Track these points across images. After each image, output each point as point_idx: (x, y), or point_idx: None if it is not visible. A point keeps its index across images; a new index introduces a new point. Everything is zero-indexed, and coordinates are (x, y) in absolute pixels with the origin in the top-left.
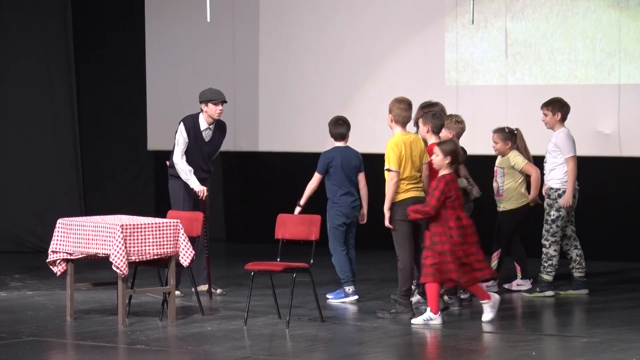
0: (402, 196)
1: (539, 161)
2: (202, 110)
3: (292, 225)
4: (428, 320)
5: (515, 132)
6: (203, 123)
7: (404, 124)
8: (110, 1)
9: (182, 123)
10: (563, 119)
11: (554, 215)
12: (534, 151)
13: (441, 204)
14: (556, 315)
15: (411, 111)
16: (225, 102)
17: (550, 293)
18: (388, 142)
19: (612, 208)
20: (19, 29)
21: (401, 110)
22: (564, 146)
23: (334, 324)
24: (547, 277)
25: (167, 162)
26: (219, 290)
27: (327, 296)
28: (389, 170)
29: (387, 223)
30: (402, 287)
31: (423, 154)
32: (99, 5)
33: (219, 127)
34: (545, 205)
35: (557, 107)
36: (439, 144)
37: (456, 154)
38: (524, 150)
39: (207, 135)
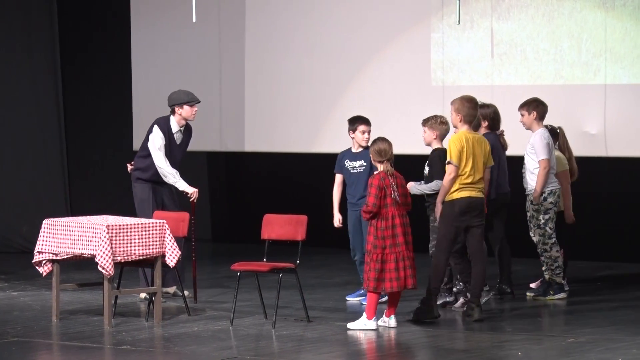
0: (454, 195)
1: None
2: (173, 113)
3: (279, 225)
4: (363, 325)
5: (558, 130)
6: (174, 126)
7: (470, 123)
8: (96, 1)
9: (156, 125)
10: (540, 118)
11: (543, 219)
12: (519, 152)
13: (380, 200)
14: (542, 315)
15: (477, 110)
16: (199, 102)
17: (563, 295)
18: (451, 136)
19: (597, 208)
20: (4, 29)
21: (471, 109)
22: (539, 148)
23: (320, 324)
24: (558, 279)
25: (129, 165)
26: (185, 292)
27: (347, 298)
28: (449, 163)
29: (437, 215)
30: (431, 284)
31: (488, 156)
32: (85, 5)
33: (187, 130)
34: (531, 211)
35: (533, 107)
36: (372, 144)
37: (385, 153)
38: (565, 149)
39: (178, 138)
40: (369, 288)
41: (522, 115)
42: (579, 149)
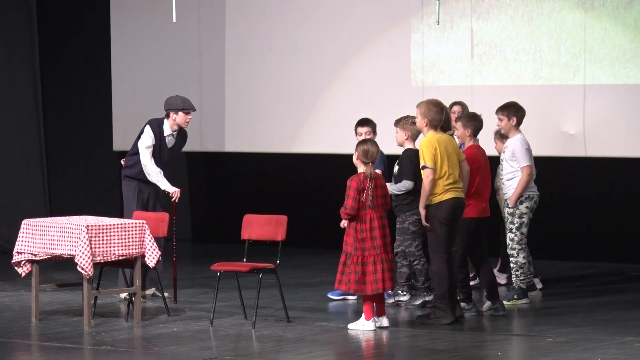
0: (440, 197)
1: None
2: (168, 117)
3: (259, 225)
4: (361, 326)
5: None
6: (167, 129)
7: (436, 127)
8: (76, 1)
9: (148, 125)
10: (518, 123)
11: (517, 222)
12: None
13: (358, 203)
14: (521, 315)
15: (444, 114)
16: (195, 110)
17: (525, 300)
18: (421, 141)
19: (576, 208)
20: None
21: (437, 114)
22: (520, 155)
23: (300, 324)
24: (522, 285)
25: (122, 162)
26: (165, 294)
27: (329, 295)
28: (424, 167)
29: (424, 222)
30: (438, 291)
31: (459, 152)
32: (64, 4)
33: (181, 134)
34: (506, 214)
35: (513, 112)
36: (359, 143)
37: (372, 155)
38: None
39: (169, 142)
40: (350, 290)
41: (501, 119)
42: (558, 149)
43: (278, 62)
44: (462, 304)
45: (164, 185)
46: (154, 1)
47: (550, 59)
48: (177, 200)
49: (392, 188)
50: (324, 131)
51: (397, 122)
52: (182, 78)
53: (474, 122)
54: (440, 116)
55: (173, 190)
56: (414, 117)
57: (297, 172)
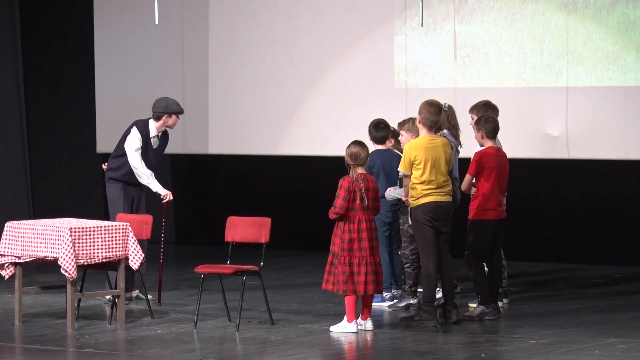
0: (422, 200)
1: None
2: (159, 119)
3: (242, 228)
4: (344, 328)
5: (447, 108)
6: (153, 130)
7: (430, 127)
8: (59, 2)
9: (135, 127)
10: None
11: None
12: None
13: (348, 203)
14: (504, 317)
15: (440, 115)
16: (183, 113)
17: (505, 301)
18: (406, 144)
19: (559, 210)
20: None
21: (430, 114)
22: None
23: (284, 326)
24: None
25: (104, 166)
26: (149, 296)
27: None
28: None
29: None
30: (425, 293)
31: (450, 158)
32: (47, 6)
33: (164, 135)
34: None
35: (482, 112)
36: (347, 146)
37: (357, 157)
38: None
39: (154, 143)
40: (339, 292)
41: (473, 118)
42: (541, 151)
43: (261, 64)
44: (481, 307)
45: (156, 187)
46: (137, 3)
47: (533, 61)
48: (167, 203)
49: (397, 192)
50: (307, 133)
51: (402, 125)
52: (165, 80)
53: (485, 124)
54: (434, 117)
55: (165, 193)
56: (415, 119)
57: (281, 174)
